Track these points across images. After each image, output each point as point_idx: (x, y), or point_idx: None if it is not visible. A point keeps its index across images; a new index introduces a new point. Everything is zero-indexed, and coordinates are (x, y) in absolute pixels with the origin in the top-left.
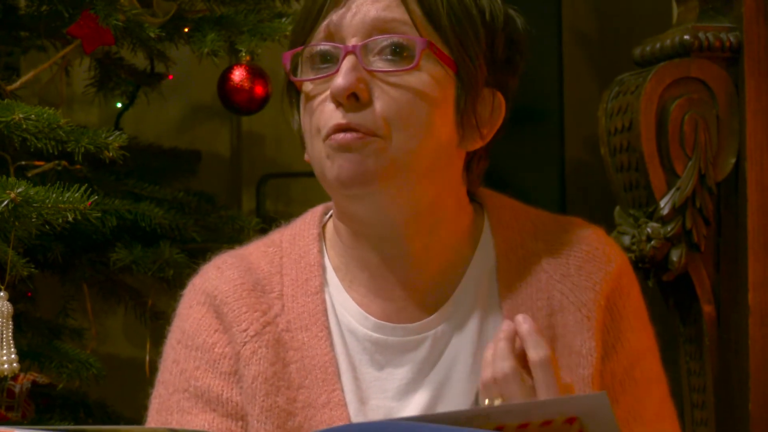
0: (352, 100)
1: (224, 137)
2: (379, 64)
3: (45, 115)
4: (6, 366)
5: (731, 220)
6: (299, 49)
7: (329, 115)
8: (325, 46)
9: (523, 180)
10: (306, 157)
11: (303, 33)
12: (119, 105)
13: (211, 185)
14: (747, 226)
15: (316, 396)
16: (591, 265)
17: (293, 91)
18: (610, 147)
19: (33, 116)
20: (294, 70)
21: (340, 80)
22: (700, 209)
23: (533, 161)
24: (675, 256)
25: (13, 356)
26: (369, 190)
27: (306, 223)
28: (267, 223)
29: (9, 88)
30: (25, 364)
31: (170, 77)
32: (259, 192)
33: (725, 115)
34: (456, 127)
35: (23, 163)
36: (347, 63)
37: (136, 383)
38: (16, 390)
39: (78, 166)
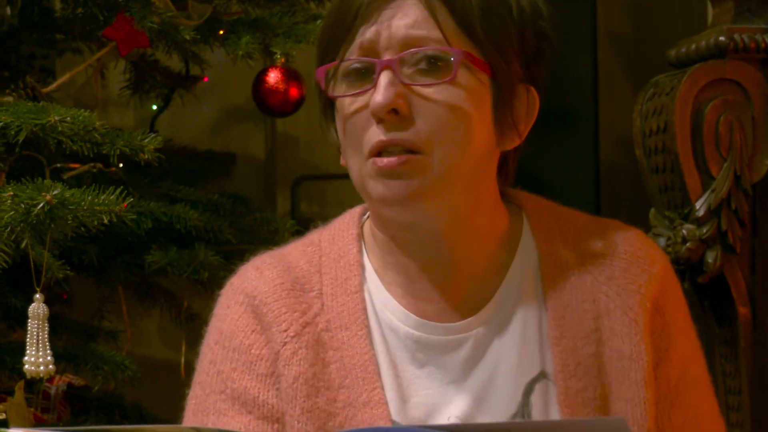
0: (393, 115)
1: (259, 139)
2: (415, 77)
3: (80, 118)
4: (42, 368)
5: (767, 222)
6: (334, 64)
7: (371, 132)
8: (360, 62)
9: (558, 182)
10: (342, 161)
11: (332, 47)
12: (154, 107)
13: (245, 187)
14: None
15: (356, 395)
16: (635, 267)
17: (327, 105)
18: (645, 149)
19: (68, 119)
20: (327, 84)
21: (379, 97)
22: (736, 211)
23: (567, 163)
24: (710, 257)
25: (48, 358)
26: (413, 206)
27: (345, 223)
28: (302, 225)
29: (44, 90)
30: (60, 366)
31: (205, 79)
32: (293, 194)
33: (760, 117)
34: (494, 130)
35: (59, 165)
36: (384, 78)
37: (171, 385)
38: (52, 392)
39: (113, 169)
